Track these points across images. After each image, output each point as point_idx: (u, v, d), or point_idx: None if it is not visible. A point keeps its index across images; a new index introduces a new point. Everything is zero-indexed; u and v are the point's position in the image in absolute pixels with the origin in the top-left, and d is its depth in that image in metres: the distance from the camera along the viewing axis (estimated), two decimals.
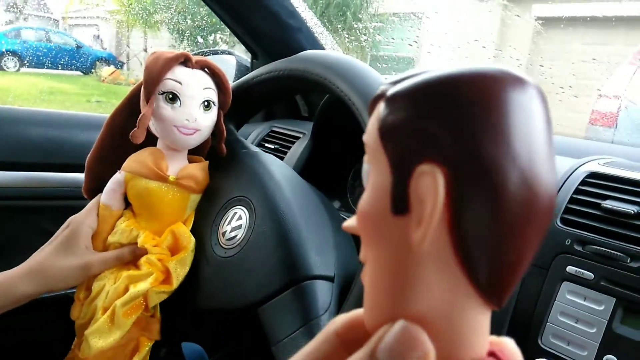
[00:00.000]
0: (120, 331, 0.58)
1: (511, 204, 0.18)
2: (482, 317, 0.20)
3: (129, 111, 0.64)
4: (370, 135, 0.21)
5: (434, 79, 0.19)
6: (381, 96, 0.21)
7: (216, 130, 0.66)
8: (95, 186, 0.65)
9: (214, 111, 0.64)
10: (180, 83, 0.60)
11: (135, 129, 0.59)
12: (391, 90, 0.20)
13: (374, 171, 0.21)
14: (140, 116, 0.59)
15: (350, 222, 0.24)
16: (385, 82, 0.21)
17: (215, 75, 0.64)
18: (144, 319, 0.60)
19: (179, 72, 0.61)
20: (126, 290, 0.59)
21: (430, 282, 0.19)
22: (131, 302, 0.58)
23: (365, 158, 0.22)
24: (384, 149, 0.20)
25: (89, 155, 0.66)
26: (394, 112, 0.19)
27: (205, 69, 0.64)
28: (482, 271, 0.19)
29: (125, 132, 0.65)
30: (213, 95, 0.63)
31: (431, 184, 0.18)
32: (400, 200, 0.19)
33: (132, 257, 0.62)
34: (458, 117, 0.18)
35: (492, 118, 0.18)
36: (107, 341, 0.57)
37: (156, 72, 0.59)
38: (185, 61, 0.62)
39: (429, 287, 0.19)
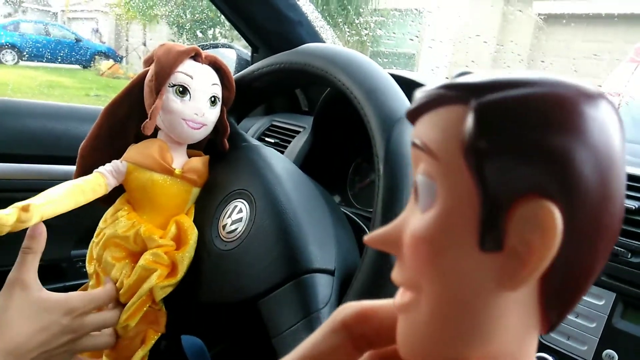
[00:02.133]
0: (126, 329, 0.58)
1: (594, 228, 0.16)
2: (536, 341, 0.19)
3: (129, 102, 0.64)
4: (441, 146, 0.18)
5: (539, 96, 0.16)
6: (449, 100, 0.18)
7: (219, 126, 0.66)
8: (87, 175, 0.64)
9: (218, 107, 0.64)
10: (191, 77, 0.60)
11: (146, 120, 0.59)
12: (482, 100, 0.17)
13: (446, 191, 0.17)
14: (152, 108, 0.59)
15: (377, 237, 0.21)
16: (448, 84, 0.18)
17: (221, 72, 0.65)
18: (152, 312, 0.60)
19: (190, 66, 0.61)
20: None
21: (509, 322, 0.17)
22: (137, 302, 0.58)
23: (423, 169, 0.18)
24: (472, 169, 0.16)
25: (82, 144, 0.65)
26: (493, 129, 0.16)
27: (213, 65, 0.64)
28: (558, 304, 0.17)
29: (123, 123, 0.65)
30: (219, 91, 0.64)
31: (545, 225, 0.15)
32: (493, 236, 0.16)
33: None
34: (572, 146, 0.16)
35: (590, 143, 0.16)
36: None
37: (168, 65, 0.59)
38: (196, 56, 0.62)
39: (505, 329, 0.17)
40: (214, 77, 0.63)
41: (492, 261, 0.16)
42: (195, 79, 0.61)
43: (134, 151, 0.63)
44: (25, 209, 0.51)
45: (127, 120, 0.65)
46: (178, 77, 0.60)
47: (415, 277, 0.19)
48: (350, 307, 0.23)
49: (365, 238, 0.21)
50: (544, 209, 0.15)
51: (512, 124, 0.16)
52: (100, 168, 0.62)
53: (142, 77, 0.63)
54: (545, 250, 0.16)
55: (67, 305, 0.52)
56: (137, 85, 0.63)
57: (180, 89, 0.60)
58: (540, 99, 0.16)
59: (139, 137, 0.64)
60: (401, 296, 0.20)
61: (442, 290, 0.18)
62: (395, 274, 0.20)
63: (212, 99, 0.63)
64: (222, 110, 0.66)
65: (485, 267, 0.17)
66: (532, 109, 0.16)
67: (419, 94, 0.19)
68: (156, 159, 0.61)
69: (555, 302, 0.17)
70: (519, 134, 0.16)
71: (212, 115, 0.63)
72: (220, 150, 0.67)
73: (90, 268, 0.67)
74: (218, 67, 0.64)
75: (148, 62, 0.62)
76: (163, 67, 0.59)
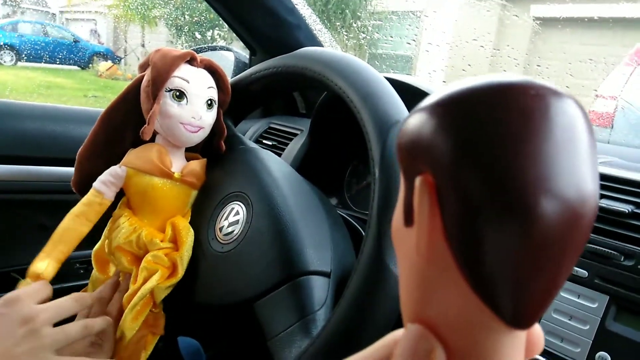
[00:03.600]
0: (131, 332, 0.58)
1: (543, 226, 0.17)
2: (507, 339, 0.19)
3: (125, 107, 0.64)
4: (402, 149, 0.22)
5: (454, 93, 0.19)
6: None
7: (216, 128, 0.66)
8: (85, 180, 0.65)
9: (215, 110, 0.65)
10: (187, 81, 0.61)
11: (145, 125, 0.60)
12: (417, 107, 0.20)
13: (402, 185, 0.22)
14: (150, 113, 0.60)
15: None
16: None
17: (217, 75, 0.65)
18: (152, 315, 0.61)
19: (186, 71, 0.62)
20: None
21: (438, 289, 0.20)
22: (138, 303, 0.58)
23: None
24: (400, 163, 0.21)
25: (80, 149, 0.66)
26: (407, 128, 0.20)
27: (208, 69, 0.65)
28: (502, 298, 0.18)
29: (120, 128, 0.65)
30: (215, 95, 0.64)
31: (421, 193, 0.19)
32: (408, 212, 0.20)
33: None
34: (455, 129, 0.18)
35: (523, 133, 0.17)
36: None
37: (165, 70, 0.60)
38: (191, 60, 0.63)
39: (438, 296, 0.20)
40: (209, 80, 0.64)
41: (411, 235, 0.20)
42: (191, 83, 0.61)
43: (133, 156, 0.63)
44: (36, 276, 0.56)
45: (124, 125, 0.65)
46: (174, 81, 0.60)
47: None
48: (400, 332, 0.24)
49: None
50: (421, 181, 0.19)
51: (418, 120, 0.19)
52: (96, 182, 0.63)
53: (138, 82, 0.63)
54: (422, 212, 0.19)
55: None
56: (133, 91, 0.64)
57: (177, 93, 0.60)
58: (453, 95, 0.19)
59: (136, 142, 0.65)
60: None
61: (400, 266, 0.22)
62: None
63: (209, 102, 0.63)
64: (218, 113, 0.66)
65: (410, 241, 0.20)
66: (439, 104, 0.19)
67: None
68: (155, 163, 0.61)
69: (490, 289, 0.18)
70: (421, 126, 0.19)
71: (209, 118, 0.64)
72: (217, 152, 0.68)
73: (93, 275, 0.68)
74: (213, 71, 0.65)
75: (143, 67, 0.63)
76: (159, 72, 0.60)
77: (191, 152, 0.68)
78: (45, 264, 0.57)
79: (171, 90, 0.60)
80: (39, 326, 0.49)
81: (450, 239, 0.18)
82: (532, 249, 0.17)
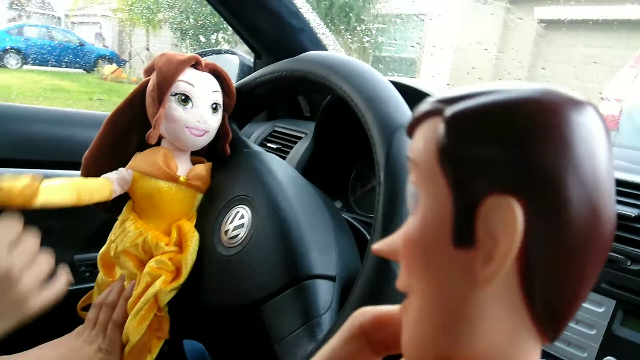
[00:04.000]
0: (136, 336, 0.59)
1: (578, 233, 0.17)
2: (537, 351, 0.19)
3: (130, 111, 0.65)
4: (422, 156, 0.19)
5: (499, 102, 0.17)
6: (432, 114, 0.19)
7: (221, 132, 0.66)
8: None
9: (220, 113, 0.65)
10: (192, 85, 0.61)
11: (151, 130, 0.60)
12: (451, 110, 0.18)
13: (425, 196, 0.19)
14: (156, 117, 0.60)
15: (383, 246, 0.22)
16: (432, 100, 0.19)
17: (221, 79, 0.65)
18: (156, 319, 0.61)
19: (191, 75, 0.62)
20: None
21: (492, 320, 0.18)
22: (142, 308, 0.58)
23: (411, 179, 0.20)
24: (445, 174, 0.18)
25: (86, 153, 0.66)
26: (461, 135, 0.18)
27: (213, 73, 0.65)
28: (544, 306, 0.18)
29: (126, 132, 0.65)
30: (220, 98, 0.65)
31: (508, 219, 0.17)
32: (464, 233, 0.18)
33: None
34: (531, 144, 0.17)
35: (558, 143, 0.17)
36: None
37: (170, 74, 0.60)
38: (196, 64, 0.63)
39: (490, 326, 0.18)
40: (214, 84, 0.64)
41: (466, 258, 0.18)
42: (196, 87, 0.61)
43: (139, 159, 0.64)
44: (34, 179, 0.52)
45: (129, 129, 0.65)
46: (180, 85, 0.61)
47: (408, 278, 0.20)
48: (368, 312, 0.23)
49: (374, 247, 0.23)
50: (506, 204, 0.16)
51: (474, 128, 0.17)
52: (108, 174, 0.63)
53: (143, 86, 0.63)
54: (508, 240, 0.16)
55: None
56: (138, 95, 0.64)
57: (183, 97, 0.61)
58: (503, 104, 0.17)
59: (142, 146, 0.65)
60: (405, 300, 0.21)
61: (426, 288, 0.19)
62: (398, 280, 0.21)
63: (214, 105, 0.63)
64: (223, 117, 0.66)
65: (460, 264, 0.18)
66: (492, 115, 0.17)
67: (413, 112, 0.21)
68: (161, 167, 0.62)
69: (544, 307, 0.18)
70: (480, 138, 0.17)
71: (214, 122, 0.64)
72: (222, 156, 0.68)
73: (99, 278, 0.68)
74: (218, 74, 0.65)
75: (148, 71, 0.63)
76: (165, 77, 0.60)
77: (196, 156, 0.68)
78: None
79: (176, 94, 0.61)
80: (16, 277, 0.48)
81: (527, 264, 0.17)
82: (569, 255, 0.17)
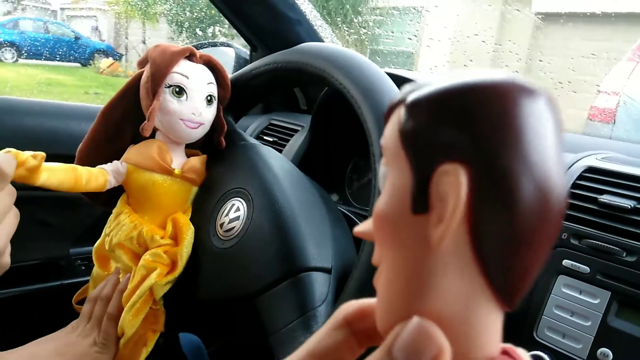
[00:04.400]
0: (131, 330, 0.59)
1: (526, 207, 0.18)
2: (495, 317, 0.20)
3: (124, 104, 0.64)
4: (389, 138, 0.21)
5: (453, 87, 0.19)
6: (400, 102, 0.21)
7: (216, 124, 0.66)
8: None
9: (214, 105, 0.65)
10: (187, 77, 0.61)
11: (145, 122, 0.60)
12: (411, 97, 0.20)
13: (392, 173, 0.21)
14: (150, 109, 0.59)
15: (362, 227, 0.24)
16: (403, 90, 0.21)
17: (216, 71, 0.65)
18: (152, 312, 0.61)
19: (185, 66, 0.61)
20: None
21: (448, 281, 0.19)
22: (138, 301, 0.58)
23: (383, 161, 0.22)
24: (405, 151, 0.20)
25: (80, 146, 0.65)
26: (416, 117, 0.20)
27: (208, 65, 0.64)
28: (497, 273, 0.19)
29: (120, 125, 0.65)
30: (214, 90, 0.64)
31: (454, 182, 0.18)
32: (420, 199, 0.19)
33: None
34: (477, 122, 0.19)
35: (508, 125, 0.18)
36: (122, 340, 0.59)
37: (164, 66, 0.59)
38: (190, 56, 0.62)
39: (446, 286, 0.19)
40: (209, 76, 0.64)
41: (422, 223, 0.19)
42: (191, 79, 0.61)
43: (133, 152, 0.63)
44: (34, 156, 0.51)
45: (123, 122, 0.65)
46: (174, 77, 0.60)
47: (380, 251, 0.22)
48: (352, 304, 0.24)
49: (355, 230, 0.24)
50: (453, 170, 0.18)
51: (430, 110, 0.19)
52: (103, 165, 0.62)
53: (137, 79, 0.63)
54: (454, 201, 0.18)
55: None
56: (132, 87, 0.64)
57: (177, 89, 0.60)
58: (456, 89, 0.19)
59: (136, 139, 0.65)
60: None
61: (392, 257, 0.21)
62: (373, 256, 0.23)
63: (208, 98, 0.63)
64: (218, 109, 0.66)
65: (418, 229, 0.19)
66: (446, 97, 0.19)
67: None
68: (156, 160, 0.61)
69: (496, 272, 0.19)
70: (435, 118, 0.19)
71: (209, 114, 0.63)
72: (217, 148, 0.67)
73: (94, 272, 0.68)
74: (213, 66, 0.65)
75: (142, 63, 0.63)
76: (159, 68, 0.59)
77: (191, 149, 0.68)
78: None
79: (171, 86, 0.60)
80: None
81: (475, 227, 0.19)
82: (518, 227, 0.19)
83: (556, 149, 0.20)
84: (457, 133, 0.19)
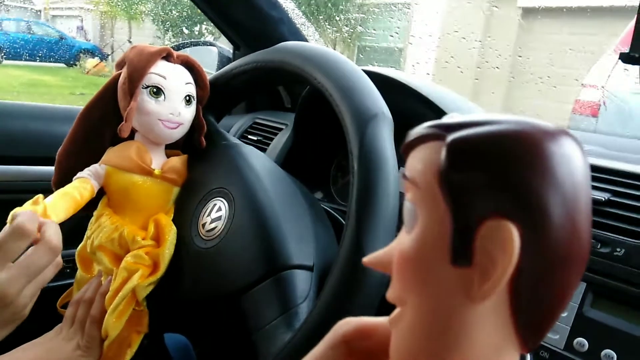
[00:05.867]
0: (115, 331, 0.58)
1: (560, 250, 0.18)
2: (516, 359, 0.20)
3: (102, 106, 0.64)
4: (422, 176, 0.20)
5: (494, 134, 0.19)
6: (431, 137, 0.20)
7: (195, 124, 0.66)
8: (65, 179, 0.64)
9: (193, 105, 0.65)
10: (164, 77, 0.60)
11: (122, 123, 0.60)
12: (453, 137, 0.19)
13: (426, 215, 0.20)
14: (127, 110, 0.59)
15: (374, 259, 0.23)
16: (433, 123, 0.21)
17: (194, 71, 0.65)
18: (135, 313, 0.61)
19: (163, 67, 0.61)
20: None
21: (482, 333, 0.19)
22: (120, 303, 0.58)
23: (409, 196, 0.21)
24: (445, 196, 0.19)
25: (59, 149, 0.65)
26: (463, 163, 0.19)
27: (185, 65, 0.64)
28: (529, 324, 0.19)
29: (99, 127, 0.65)
30: (193, 90, 0.64)
31: (506, 241, 0.18)
32: (462, 252, 0.19)
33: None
34: (520, 173, 0.18)
35: (544, 172, 0.18)
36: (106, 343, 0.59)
37: (141, 66, 0.59)
38: (167, 56, 0.62)
39: (478, 338, 0.19)
40: (187, 76, 0.64)
41: (462, 276, 0.19)
42: (168, 79, 0.61)
43: (112, 154, 0.63)
44: (35, 202, 0.53)
45: (102, 124, 0.64)
46: (151, 78, 0.60)
47: (401, 292, 0.21)
48: (351, 322, 0.24)
49: (364, 260, 0.24)
50: (504, 227, 0.18)
51: (476, 156, 0.19)
52: (80, 174, 0.62)
53: (115, 80, 0.63)
54: (505, 262, 0.18)
55: None
56: (110, 89, 0.63)
57: (154, 89, 0.60)
58: (502, 135, 0.19)
59: (116, 141, 0.64)
60: (394, 312, 0.23)
61: (420, 302, 0.20)
62: (389, 292, 0.22)
63: (187, 98, 0.63)
64: (197, 109, 0.66)
65: (456, 281, 0.19)
66: (493, 144, 0.19)
67: (411, 132, 0.22)
68: (135, 161, 0.61)
69: (528, 319, 0.19)
70: (482, 166, 0.18)
71: (187, 114, 0.63)
72: (198, 148, 0.67)
73: (77, 275, 0.68)
74: (191, 66, 0.65)
75: (120, 65, 0.63)
76: (136, 69, 0.59)
77: (172, 150, 0.68)
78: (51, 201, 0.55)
79: (148, 86, 0.60)
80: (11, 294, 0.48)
81: (517, 283, 0.18)
82: (558, 274, 0.19)
83: (586, 183, 0.19)
84: (503, 184, 0.18)
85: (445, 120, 0.21)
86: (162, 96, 0.61)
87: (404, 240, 0.21)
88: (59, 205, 0.56)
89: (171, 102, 0.61)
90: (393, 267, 0.22)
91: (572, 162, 0.19)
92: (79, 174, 0.62)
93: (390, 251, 0.23)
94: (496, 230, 0.18)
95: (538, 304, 0.19)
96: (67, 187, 0.60)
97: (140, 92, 0.60)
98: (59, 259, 0.52)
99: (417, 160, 0.21)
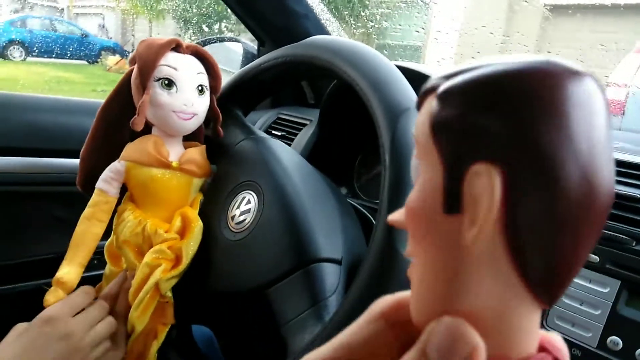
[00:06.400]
0: (141, 326, 0.60)
1: (570, 202, 0.18)
2: (532, 315, 0.20)
3: (119, 101, 0.65)
4: (420, 130, 0.20)
5: (489, 73, 0.18)
6: (431, 90, 0.20)
7: (210, 115, 0.66)
8: (89, 178, 0.65)
9: (207, 96, 0.64)
10: (175, 69, 0.60)
11: (135, 116, 0.60)
12: (444, 86, 0.19)
13: (424, 168, 0.20)
14: (140, 103, 0.60)
15: (396, 216, 0.23)
16: (435, 76, 0.20)
17: (205, 61, 0.65)
18: (160, 305, 0.61)
19: (173, 58, 0.61)
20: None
21: (481, 280, 0.19)
22: (144, 298, 0.59)
23: (414, 153, 0.21)
24: (436, 145, 0.19)
25: (82, 148, 0.66)
26: (448, 107, 0.19)
27: (196, 55, 0.64)
28: (535, 270, 0.18)
29: (117, 123, 0.65)
30: (205, 80, 0.64)
31: (487, 185, 0.18)
32: (452, 200, 0.19)
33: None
34: (516, 114, 0.17)
35: (551, 114, 0.17)
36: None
37: (151, 59, 0.59)
38: (177, 47, 0.62)
39: (479, 285, 0.19)
40: (198, 66, 0.63)
41: (455, 223, 0.19)
42: (179, 70, 0.61)
43: (130, 149, 0.63)
44: (61, 283, 0.59)
45: (121, 120, 0.65)
46: (162, 70, 0.60)
47: (412, 244, 0.22)
48: (388, 298, 0.24)
49: (389, 218, 0.24)
50: (486, 171, 0.18)
51: (464, 101, 0.18)
52: (99, 182, 0.63)
53: (129, 76, 0.63)
54: (488, 205, 0.18)
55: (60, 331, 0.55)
56: (125, 85, 0.64)
57: (166, 81, 0.60)
58: (493, 76, 0.18)
59: (134, 136, 0.65)
60: (410, 265, 0.23)
61: (424, 252, 0.21)
62: (407, 247, 0.23)
63: (200, 88, 0.63)
64: (211, 99, 0.66)
65: (451, 229, 0.19)
66: (482, 87, 0.18)
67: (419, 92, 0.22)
68: (152, 154, 0.62)
69: (537, 276, 0.19)
70: (464, 109, 0.18)
71: (201, 104, 0.63)
72: (215, 138, 0.68)
73: (106, 270, 0.69)
74: (201, 56, 0.64)
75: (133, 61, 0.63)
76: (146, 62, 0.59)
77: (190, 142, 0.68)
78: (67, 270, 0.59)
79: (160, 79, 0.60)
80: (78, 339, 0.55)
81: (510, 226, 0.18)
82: (559, 222, 0.18)
83: (606, 135, 0.18)
84: (492, 126, 0.17)
85: (446, 70, 0.20)
86: (175, 88, 0.60)
87: (410, 194, 0.21)
88: (73, 273, 0.61)
89: (184, 93, 0.61)
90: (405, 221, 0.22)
91: (588, 107, 0.18)
92: (99, 183, 0.64)
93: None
94: (478, 175, 0.18)
95: (544, 257, 0.18)
96: (88, 215, 0.63)
97: (152, 85, 0.60)
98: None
99: (419, 116, 0.21)
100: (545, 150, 0.17)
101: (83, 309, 0.58)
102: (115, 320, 0.59)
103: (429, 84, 0.21)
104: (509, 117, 0.17)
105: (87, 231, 0.62)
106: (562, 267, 0.19)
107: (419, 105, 0.21)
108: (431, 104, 0.20)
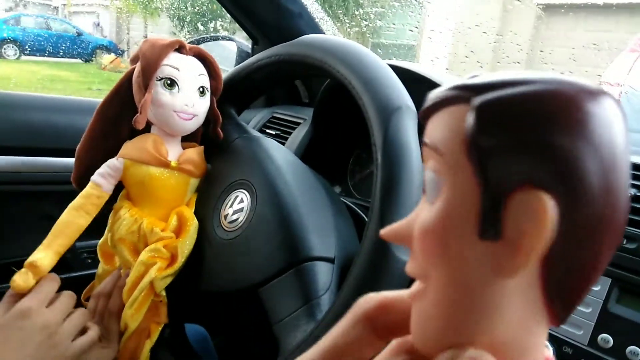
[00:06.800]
0: (134, 324, 0.60)
1: (596, 219, 0.17)
2: (545, 334, 0.19)
3: (119, 100, 0.65)
4: (446, 145, 0.19)
5: (528, 94, 0.17)
6: (453, 100, 0.19)
7: (210, 116, 0.66)
8: (84, 175, 0.65)
9: (207, 97, 0.65)
10: (177, 69, 0.61)
11: (137, 115, 0.60)
12: (483, 100, 0.18)
13: (450, 185, 0.19)
14: (142, 102, 0.60)
15: (391, 231, 0.22)
16: (449, 87, 0.19)
17: (207, 62, 0.65)
18: (154, 304, 0.61)
19: (175, 59, 0.62)
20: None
21: (512, 308, 0.18)
22: (139, 296, 0.59)
23: (431, 165, 0.20)
24: (473, 164, 0.18)
25: (78, 145, 0.66)
26: (494, 126, 0.17)
27: (198, 56, 0.65)
28: (560, 297, 0.18)
29: (116, 121, 0.65)
30: (206, 82, 0.64)
31: (537, 213, 0.16)
32: (490, 225, 0.17)
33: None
34: (558, 136, 0.16)
35: (594, 141, 0.17)
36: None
37: (154, 59, 0.60)
38: (180, 48, 0.63)
39: (510, 314, 0.18)
40: (200, 67, 0.64)
41: (491, 250, 0.17)
42: (181, 71, 0.61)
43: (129, 147, 0.64)
44: (33, 267, 0.56)
45: (119, 118, 0.65)
46: (165, 70, 0.60)
47: (423, 266, 0.20)
48: (372, 298, 0.23)
49: (382, 232, 0.22)
50: (537, 199, 0.16)
51: (508, 120, 0.17)
52: (94, 175, 0.63)
53: (129, 75, 0.63)
54: (538, 236, 0.16)
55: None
56: (125, 84, 0.64)
57: (168, 81, 0.60)
58: (536, 96, 0.17)
59: (132, 135, 0.65)
60: (414, 286, 0.21)
61: (446, 277, 0.19)
62: (408, 266, 0.21)
63: (201, 89, 0.63)
64: (212, 100, 0.66)
65: (484, 255, 0.17)
66: (526, 106, 0.17)
67: (430, 96, 0.20)
68: (151, 153, 0.62)
69: (559, 293, 0.18)
70: (514, 130, 0.17)
71: (202, 105, 0.64)
72: (214, 139, 0.68)
73: (99, 269, 0.69)
74: (203, 58, 0.65)
75: (135, 60, 0.63)
76: (149, 62, 0.60)
77: (188, 142, 0.68)
78: (42, 255, 0.58)
79: (162, 79, 0.60)
80: (55, 330, 0.54)
81: (550, 257, 0.17)
82: (593, 247, 0.17)
83: (625, 148, 0.18)
84: (545, 152, 0.16)
85: (469, 80, 0.19)
86: (176, 88, 0.61)
87: (426, 211, 0.19)
88: (48, 259, 0.59)
89: (185, 93, 0.61)
90: (414, 240, 0.20)
91: (613, 125, 0.17)
92: (94, 177, 0.63)
93: (409, 223, 0.21)
94: (529, 201, 0.16)
95: (569, 277, 0.18)
96: (76, 204, 0.62)
97: (154, 85, 0.60)
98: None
99: (439, 125, 0.19)
100: (579, 170, 0.16)
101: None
102: (87, 310, 0.59)
103: (448, 93, 0.19)
104: (550, 138, 0.16)
105: (72, 221, 0.61)
106: (583, 282, 0.18)
107: (430, 113, 0.20)
108: (461, 116, 0.18)
